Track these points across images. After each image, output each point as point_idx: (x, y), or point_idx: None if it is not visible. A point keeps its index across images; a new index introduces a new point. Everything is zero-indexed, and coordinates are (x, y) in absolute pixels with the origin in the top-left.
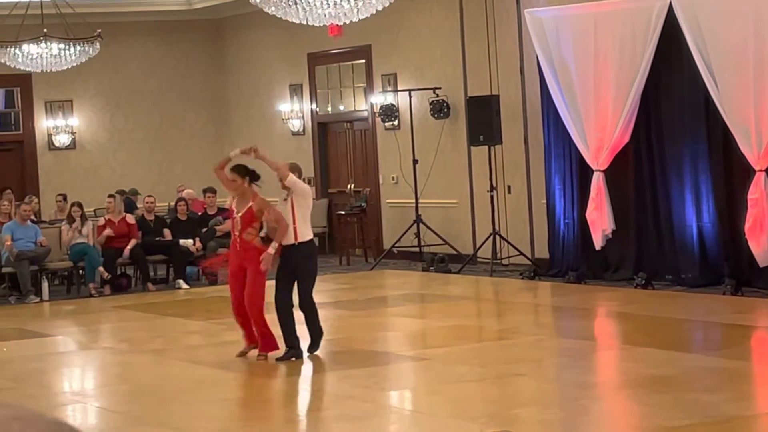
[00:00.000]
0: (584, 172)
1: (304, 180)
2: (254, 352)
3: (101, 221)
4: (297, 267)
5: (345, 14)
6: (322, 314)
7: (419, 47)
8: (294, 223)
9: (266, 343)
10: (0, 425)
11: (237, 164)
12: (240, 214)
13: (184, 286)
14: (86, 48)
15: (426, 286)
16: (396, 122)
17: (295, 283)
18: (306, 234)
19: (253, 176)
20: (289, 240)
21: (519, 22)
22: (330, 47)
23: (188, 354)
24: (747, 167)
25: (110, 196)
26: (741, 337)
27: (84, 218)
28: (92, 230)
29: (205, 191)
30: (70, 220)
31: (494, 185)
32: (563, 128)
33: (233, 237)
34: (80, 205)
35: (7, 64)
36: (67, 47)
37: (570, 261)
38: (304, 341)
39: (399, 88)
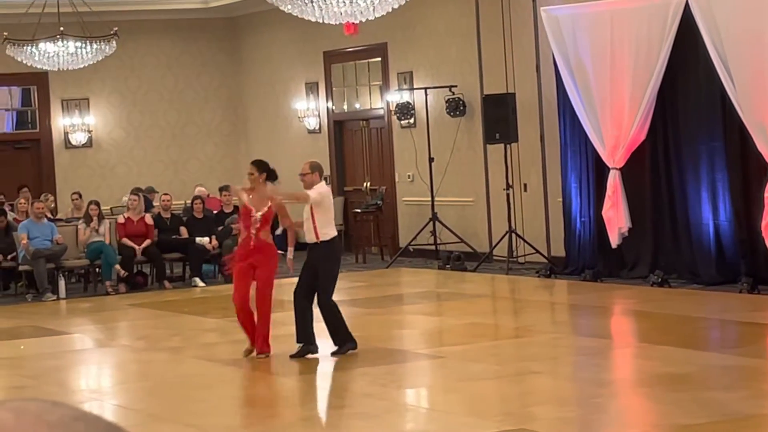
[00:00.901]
0: (600, 170)
1: (325, 178)
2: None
3: (120, 219)
4: (318, 265)
5: (361, 12)
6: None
7: (435, 45)
8: (314, 222)
9: (265, 346)
10: (63, 425)
11: (258, 159)
12: (261, 213)
13: (201, 284)
14: (103, 46)
15: (442, 284)
16: (412, 120)
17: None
18: (327, 233)
19: (271, 175)
20: (312, 239)
21: (535, 20)
22: (346, 45)
23: (205, 352)
24: (763, 165)
25: (133, 194)
26: (757, 335)
27: (101, 217)
28: (109, 228)
29: (221, 189)
30: (87, 219)
31: (510, 183)
32: (579, 126)
33: (247, 234)
34: (97, 204)
35: (24, 62)
36: (83, 45)
37: (586, 259)
38: (320, 339)
39: (415, 86)
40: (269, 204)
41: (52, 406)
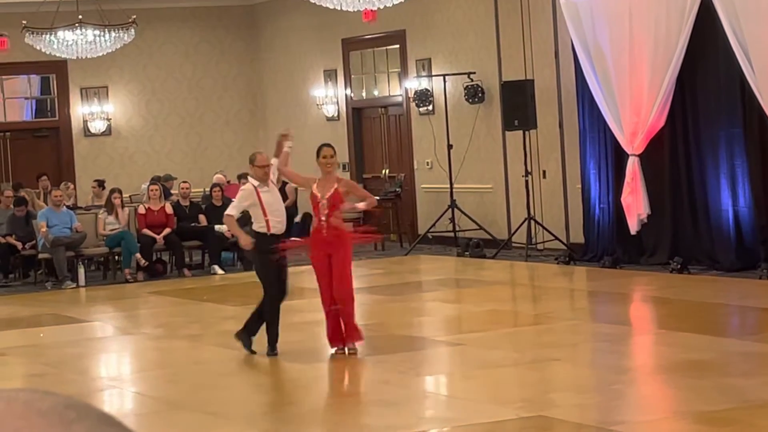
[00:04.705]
0: (619, 156)
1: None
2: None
3: (141, 209)
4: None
5: None
6: (358, 299)
7: (454, 32)
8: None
9: (356, 333)
10: (55, 412)
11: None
12: (327, 197)
13: (220, 271)
14: (121, 34)
15: (461, 271)
16: (430, 107)
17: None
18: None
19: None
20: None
21: (554, 6)
22: (364, 32)
23: (224, 339)
24: None
25: (153, 183)
26: None
27: (122, 204)
28: (128, 216)
29: (239, 177)
30: (110, 207)
31: (529, 170)
32: (598, 113)
33: (317, 222)
34: (120, 192)
35: (43, 50)
36: (102, 34)
37: (605, 246)
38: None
39: (433, 73)
40: (335, 186)
41: (43, 395)
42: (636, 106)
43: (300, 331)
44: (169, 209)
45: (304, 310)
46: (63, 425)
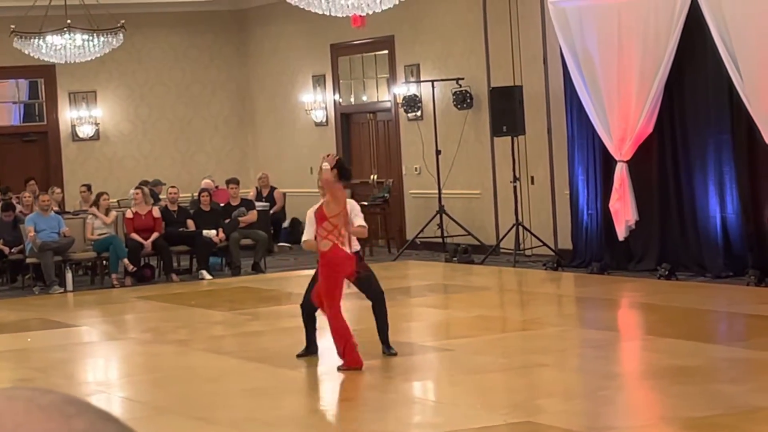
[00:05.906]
0: (607, 162)
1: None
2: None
3: (129, 213)
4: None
5: (368, 5)
6: (348, 304)
7: (442, 38)
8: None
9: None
10: (55, 407)
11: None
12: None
13: (208, 276)
14: (110, 39)
15: (449, 276)
16: (419, 113)
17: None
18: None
19: (343, 173)
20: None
21: (542, 13)
22: (353, 38)
23: (211, 344)
24: None
25: (137, 187)
26: (765, 327)
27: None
28: (116, 220)
29: (228, 182)
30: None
31: (517, 176)
32: (586, 119)
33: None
34: (107, 195)
35: (31, 55)
36: (90, 38)
37: (593, 252)
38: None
39: (422, 79)
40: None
41: (43, 392)
42: (624, 112)
43: (288, 336)
44: (156, 213)
45: (296, 314)
46: (63, 419)
